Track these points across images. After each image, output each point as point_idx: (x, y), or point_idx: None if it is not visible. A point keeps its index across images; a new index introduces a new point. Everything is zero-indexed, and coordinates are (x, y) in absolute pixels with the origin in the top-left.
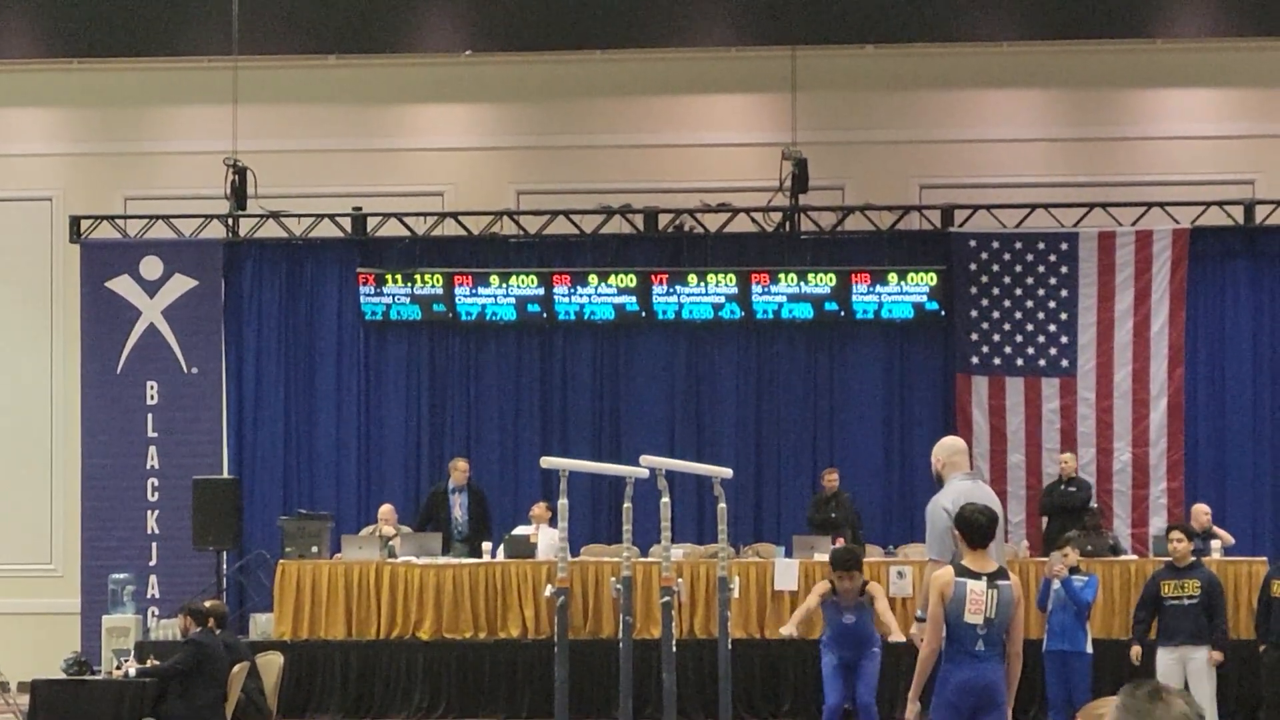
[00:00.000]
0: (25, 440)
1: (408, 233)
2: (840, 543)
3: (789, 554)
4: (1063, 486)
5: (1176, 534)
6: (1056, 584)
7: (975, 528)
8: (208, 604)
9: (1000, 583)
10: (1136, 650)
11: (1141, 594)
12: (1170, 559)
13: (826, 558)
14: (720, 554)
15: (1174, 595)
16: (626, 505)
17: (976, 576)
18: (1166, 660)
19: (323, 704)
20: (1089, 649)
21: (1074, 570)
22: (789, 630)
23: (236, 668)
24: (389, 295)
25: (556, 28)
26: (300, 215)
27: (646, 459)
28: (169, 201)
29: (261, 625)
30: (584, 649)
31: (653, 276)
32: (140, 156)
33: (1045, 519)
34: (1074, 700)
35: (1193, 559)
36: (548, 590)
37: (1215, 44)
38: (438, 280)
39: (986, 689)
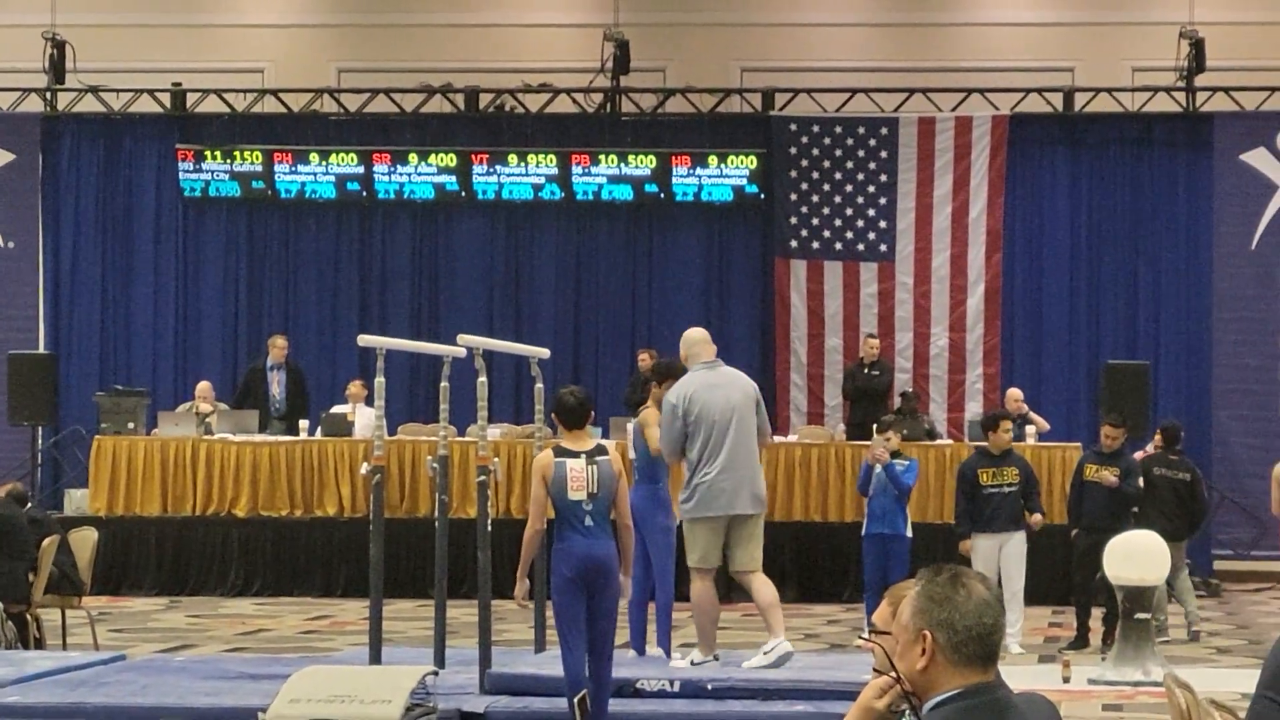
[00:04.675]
0: None
1: (227, 109)
2: None
3: (605, 435)
4: (866, 370)
5: (1006, 423)
6: (878, 468)
7: (568, 409)
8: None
9: (600, 459)
10: (968, 544)
11: (959, 483)
12: (985, 445)
13: None
14: (537, 434)
15: (994, 483)
16: (444, 384)
17: (575, 455)
18: (985, 545)
19: (138, 580)
20: (909, 533)
21: (895, 455)
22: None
23: (47, 541)
24: (208, 172)
25: None
26: (119, 90)
27: (464, 338)
28: None
29: (76, 501)
30: (400, 527)
31: (473, 156)
32: None
33: (849, 403)
34: (890, 583)
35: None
36: (364, 468)
37: None
38: (257, 157)
39: (598, 563)
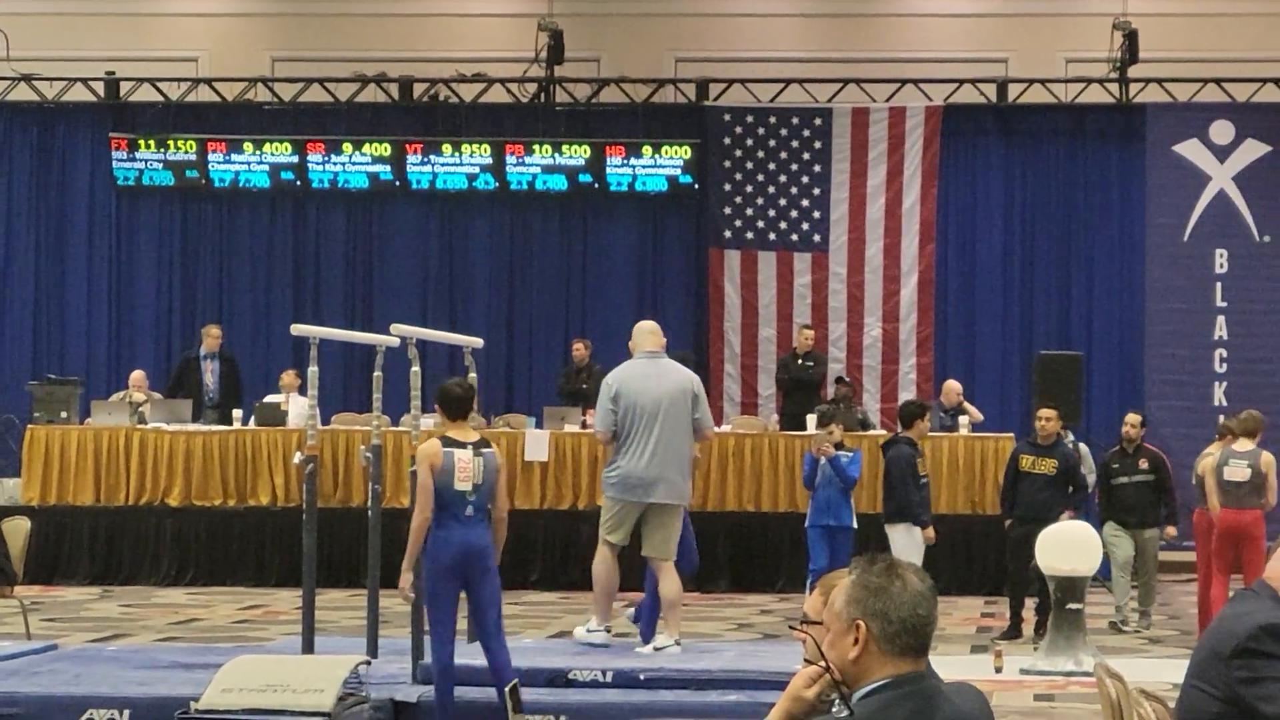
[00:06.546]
0: None
1: (161, 98)
2: (590, 415)
3: (540, 425)
4: (800, 361)
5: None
6: (823, 461)
7: (452, 400)
8: None
9: (485, 451)
10: (931, 533)
11: (909, 476)
12: (910, 435)
13: (578, 428)
14: (470, 423)
15: (924, 473)
16: (377, 374)
17: (462, 446)
18: (912, 536)
19: (71, 570)
20: (853, 523)
21: (839, 447)
22: None
23: None
24: (141, 161)
25: None
26: (52, 79)
27: (397, 328)
28: None
29: (9, 490)
30: (333, 517)
31: (407, 146)
32: None
33: (782, 394)
34: None
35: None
36: (297, 458)
37: None
38: (191, 146)
39: (478, 553)
